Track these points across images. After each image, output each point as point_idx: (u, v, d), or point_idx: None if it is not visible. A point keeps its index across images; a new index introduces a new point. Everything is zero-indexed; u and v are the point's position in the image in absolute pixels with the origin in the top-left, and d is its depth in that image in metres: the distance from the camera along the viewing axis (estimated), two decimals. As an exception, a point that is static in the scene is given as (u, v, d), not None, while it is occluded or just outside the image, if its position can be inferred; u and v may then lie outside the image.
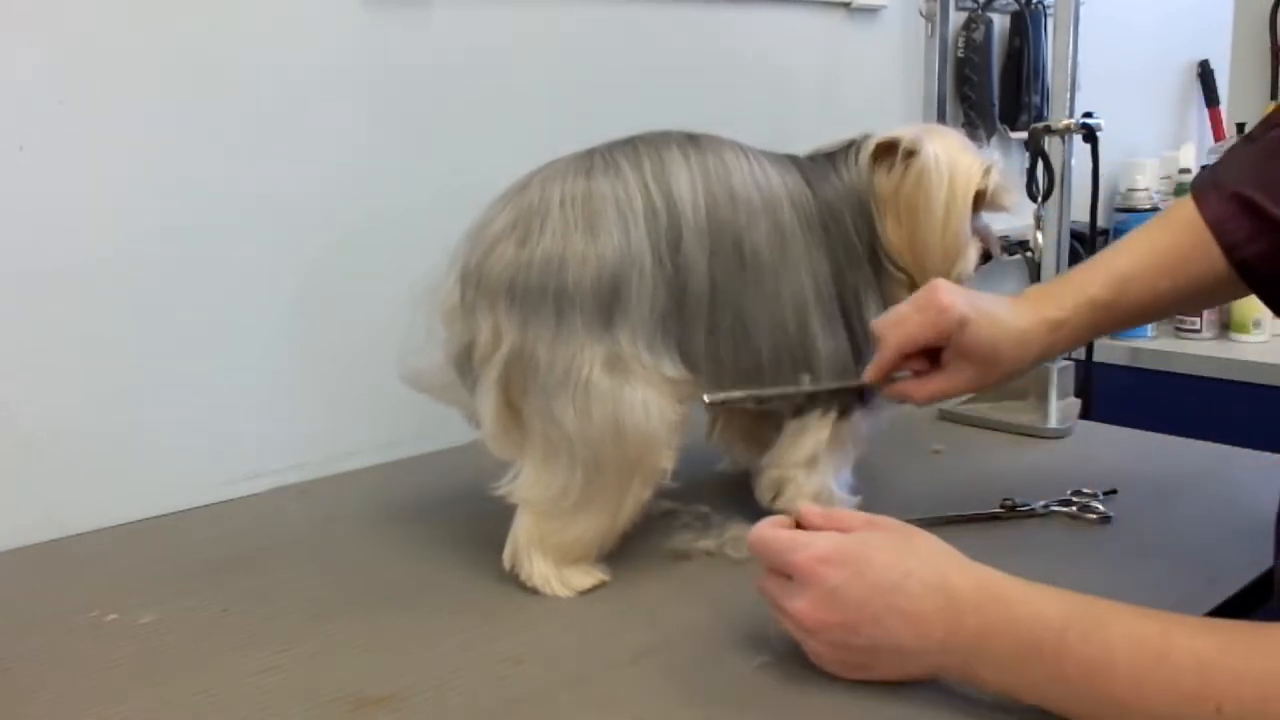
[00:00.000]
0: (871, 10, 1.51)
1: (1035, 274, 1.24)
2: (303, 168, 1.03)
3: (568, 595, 0.78)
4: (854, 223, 0.86)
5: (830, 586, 0.62)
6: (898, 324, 0.81)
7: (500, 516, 0.80)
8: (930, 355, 0.83)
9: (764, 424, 0.98)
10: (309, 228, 1.04)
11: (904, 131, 0.87)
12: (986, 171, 0.88)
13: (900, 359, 0.82)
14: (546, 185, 0.78)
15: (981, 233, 0.90)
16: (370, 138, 1.07)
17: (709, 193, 0.80)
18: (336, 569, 0.85)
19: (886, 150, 0.86)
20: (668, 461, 0.80)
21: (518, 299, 0.75)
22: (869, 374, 0.84)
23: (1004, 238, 1.05)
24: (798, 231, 0.83)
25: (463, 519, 0.91)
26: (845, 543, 0.64)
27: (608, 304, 0.75)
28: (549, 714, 0.63)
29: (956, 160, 0.86)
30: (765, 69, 1.37)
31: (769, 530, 0.66)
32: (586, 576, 0.80)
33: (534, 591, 0.79)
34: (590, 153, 0.80)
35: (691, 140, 0.82)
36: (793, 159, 0.88)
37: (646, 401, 0.76)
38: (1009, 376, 0.84)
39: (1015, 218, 1.00)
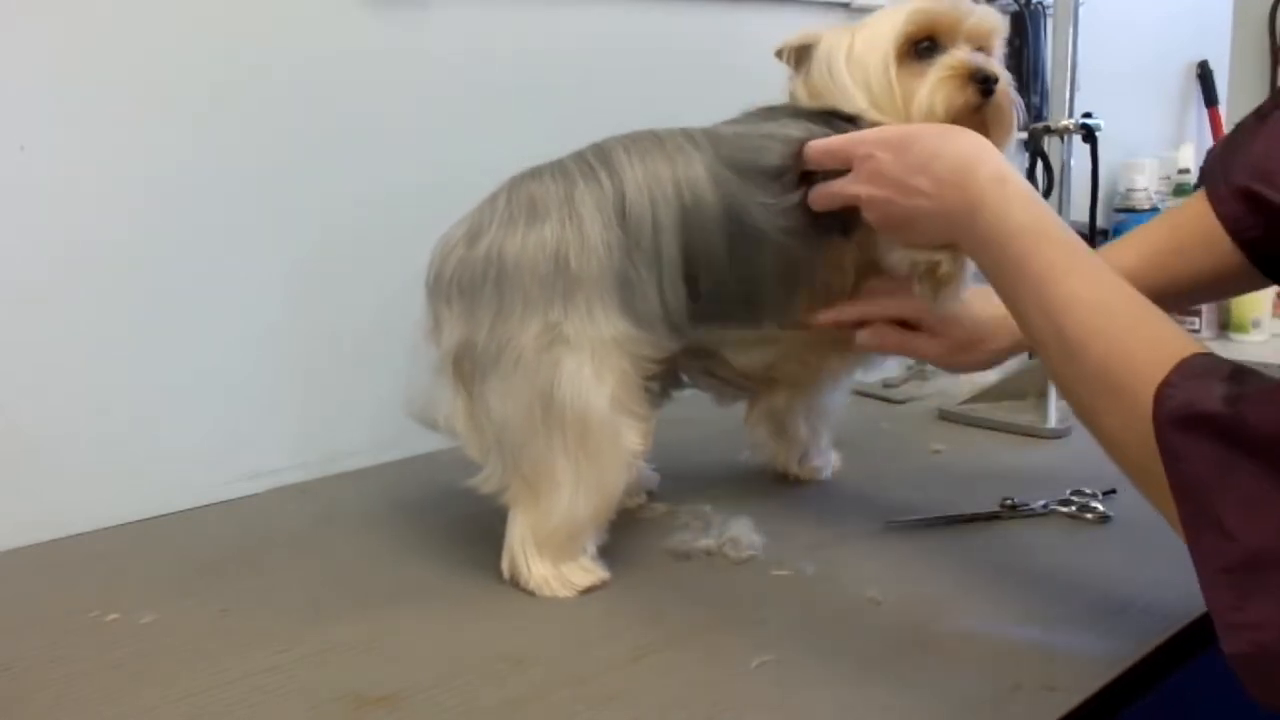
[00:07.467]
0: (871, 11, 1.50)
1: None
2: (302, 167, 1.03)
3: (568, 595, 0.78)
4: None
5: (875, 166, 0.75)
6: (889, 291, 0.86)
7: (500, 516, 0.80)
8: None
9: (793, 411, 0.98)
10: (309, 227, 1.04)
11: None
12: (911, 13, 0.84)
13: (879, 312, 0.86)
14: (497, 195, 0.81)
15: (963, 65, 0.82)
16: (370, 136, 1.07)
17: (643, 153, 0.81)
18: (336, 569, 0.85)
19: (785, 58, 0.90)
20: (635, 436, 0.78)
21: (464, 292, 0.78)
22: (839, 313, 0.87)
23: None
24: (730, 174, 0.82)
25: (462, 518, 0.91)
26: (890, 131, 0.77)
27: (550, 280, 0.76)
28: (548, 713, 0.63)
29: (865, 27, 0.86)
30: (765, 69, 1.37)
31: (824, 140, 0.80)
32: (586, 574, 0.80)
33: (534, 592, 0.79)
34: (539, 166, 0.82)
35: (630, 136, 0.84)
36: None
37: (585, 369, 0.76)
38: (981, 362, 0.89)
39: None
